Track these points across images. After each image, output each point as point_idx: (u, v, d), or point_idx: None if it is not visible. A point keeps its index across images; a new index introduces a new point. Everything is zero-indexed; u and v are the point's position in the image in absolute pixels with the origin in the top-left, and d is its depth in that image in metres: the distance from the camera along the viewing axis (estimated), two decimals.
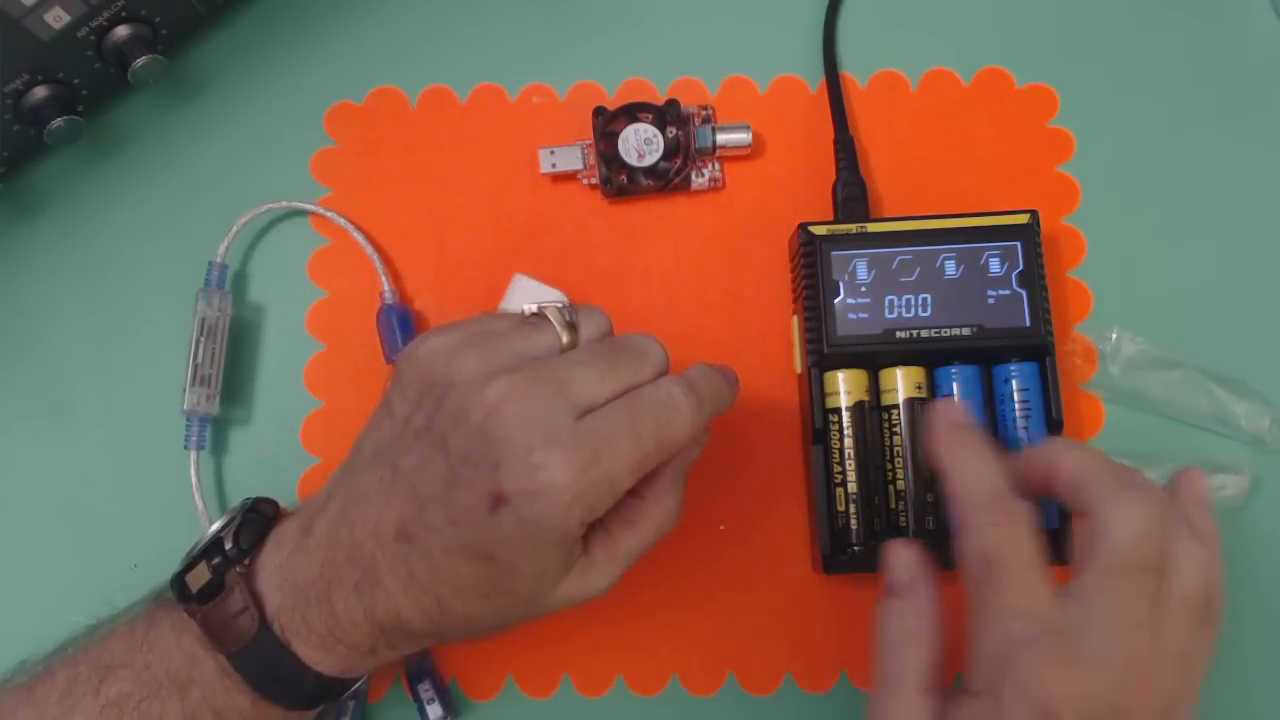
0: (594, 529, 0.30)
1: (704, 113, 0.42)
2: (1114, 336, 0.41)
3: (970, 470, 0.31)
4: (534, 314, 0.31)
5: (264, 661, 0.30)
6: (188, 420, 0.39)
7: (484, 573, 0.28)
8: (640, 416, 0.28)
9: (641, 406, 0.29)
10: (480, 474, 0.28)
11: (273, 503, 0.34)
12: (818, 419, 0.38)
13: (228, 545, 0.31)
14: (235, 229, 0.41)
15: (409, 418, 0.30)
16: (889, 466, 0.38)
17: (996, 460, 0.31)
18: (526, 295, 0.39)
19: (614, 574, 0.31)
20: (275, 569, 0.31)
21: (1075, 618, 0.28)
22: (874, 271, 0.38)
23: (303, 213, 0.42)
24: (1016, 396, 0.38)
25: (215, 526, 0.32)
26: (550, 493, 0.27)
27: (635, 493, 0.31)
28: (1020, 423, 0.37)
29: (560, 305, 0.31)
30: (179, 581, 0.31)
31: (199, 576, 0.31)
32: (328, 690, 0.31)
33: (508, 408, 0.28)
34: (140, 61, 0.39)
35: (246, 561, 0.31)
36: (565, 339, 0.31)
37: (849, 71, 0.44)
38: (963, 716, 0.28)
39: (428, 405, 0.30)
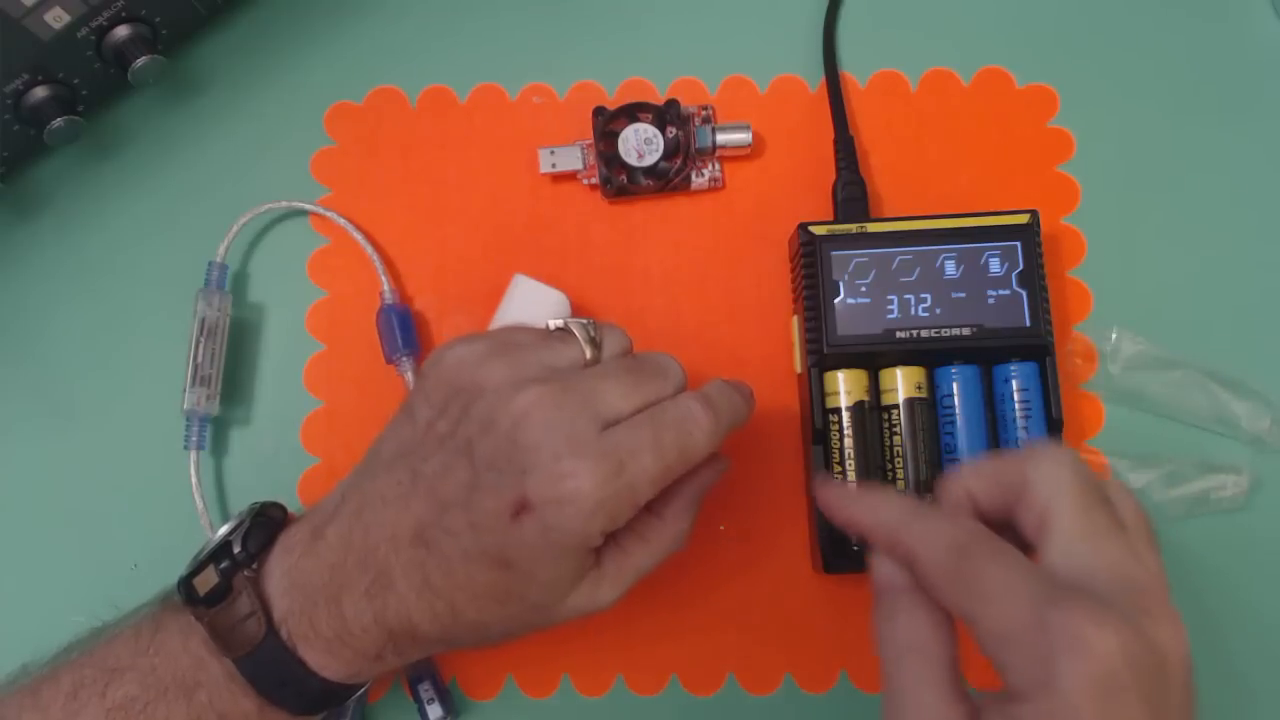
0: (606, 542, 0.30)
1: (704, 113, 0.42)
2: (1114, 336, 0.41)
3: (878, 504, 0.29)
4: (559, 328, 0.32)
5: (270, 666, 0.30)
6: (188, 420, 0.39)
7: (500, 579, 0.29)
8: (662, 430, 0.29)
9: (663, 420, 0.29)
10: (506, 481, 0.28)
11: (281, 507, 0.34)
12: (818, 419, 0.38)
13: (236, 549, 0.31)
14: (235, 229, 0.41)
15: (432, 423, 0.30)
16: (889, 466, 0.38)
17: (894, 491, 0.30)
18: (527, 295, 0.39)
19: (621, 588, 0.31)
20: (283, 573, 0.31)
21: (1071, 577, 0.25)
22: (874, 271, 0.38)
23: (303, 213, 0.42)
24: (1016, 396, 0.38)
25: (223, 530, 0.32)
26: (575, 501, 0.27)
27: (651, 509, 0.31)
28: (1020, 423, 0.37)
29: (584, 321, 0.32)
30: (186, 585, 0.31)
31: (206, 580, 0.31)
32: (333, 695, 0.31)
33: (536, 416, 0.28)
34: (140, 61, 0.39)
35: (254, 565, 0.31)
36: (589, 354, 0.31)
37: (849, 71, 0.44)
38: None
39: (454, 411, 0.30)
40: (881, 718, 0.26)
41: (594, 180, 0.42)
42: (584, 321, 0.32)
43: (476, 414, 0.29)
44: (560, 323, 0.32)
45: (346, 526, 0.30)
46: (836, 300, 0.38)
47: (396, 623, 0.30)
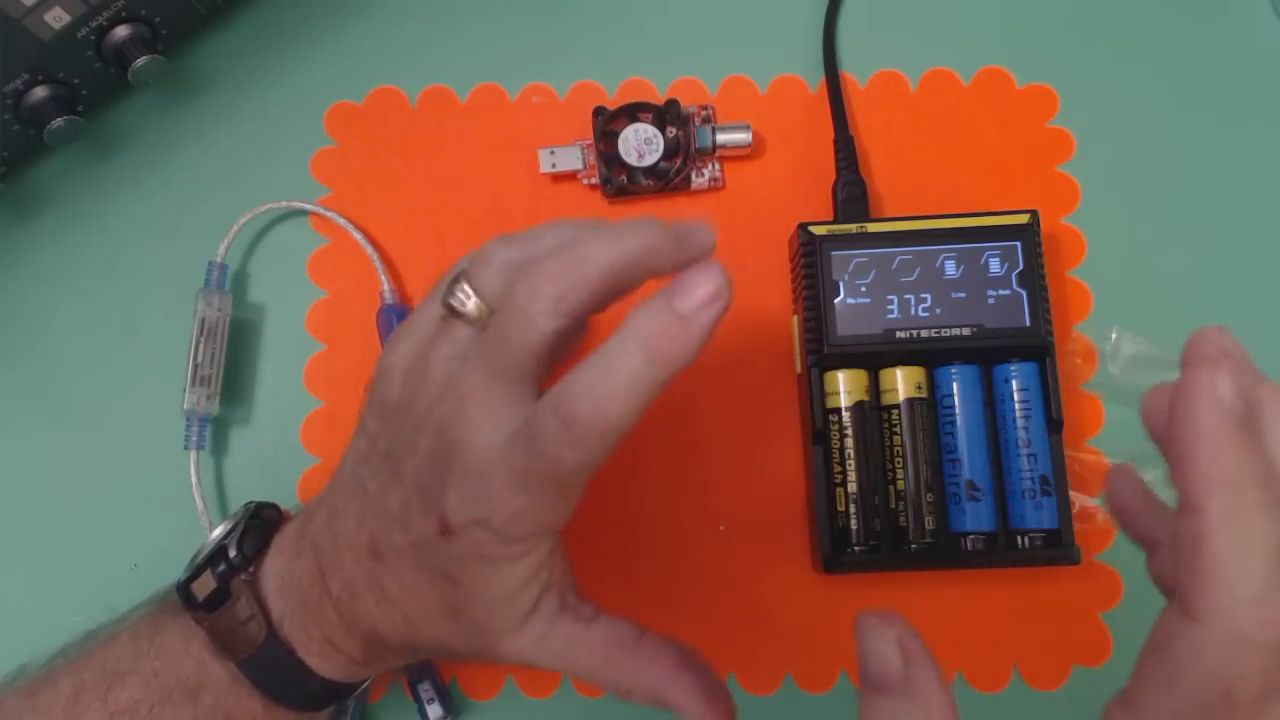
0: (572, 615, 0.29)
1: (704, 113, 0.42)
2: (1114, 336, 0.41)
3: (1250, 510, 0.21)
4: (444, 311, 0.29)
5: (273, 667, 0.30)
6: (188, 420, 0.39)
7: (447, 593, 0.28)
8: (539, 458, 0.25)
9: (537, 439, 0.25)
10: (430, 501, 0.27)
11: (275, 507, 0.34)
12: (818, 419, 0.38)
13: (232, 553, 0.31)
14: (235, 229, 0.41)
15: (375, 439, 0.30)
16: (889, 466, 0.38)
17: None
18: None
19: (563, 666, 0.29)
20: (277, 575, 0.31)
21: None
22: (874, 271, 0.38)
23: (303, 213, 0.42)
24: (1016, 396, 0.38)
25: (218, 534, 0.32)
26: (488, 519, 0.26)
27: (632, 651, 0.29)
28: (1020, 423, 0.37)
29: (460, 285, 0.28)
30: (184, 590, 0.31)
31: (204, 585, 0.31)
32: (334, 693, 0.31)
33: (445, 436, 0.27)
34: (140, 61, 0.39)
35: (251, 569, 0.31)
36: (477, 316, 0.28)
37: (849, 71, 0.44)
38: None
39: (392, 427, 0.29)
40: None
41: (594, 180, 0.42)
42: (461, 289, 0.28)
43: (405, 433, 0.28)
44: (446, 302, 0.28)
45: (322, 534, 0.30)
46: (836, 300, 0.38)
47: (366, 630, 0.30)
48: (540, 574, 0.29)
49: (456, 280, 0.28)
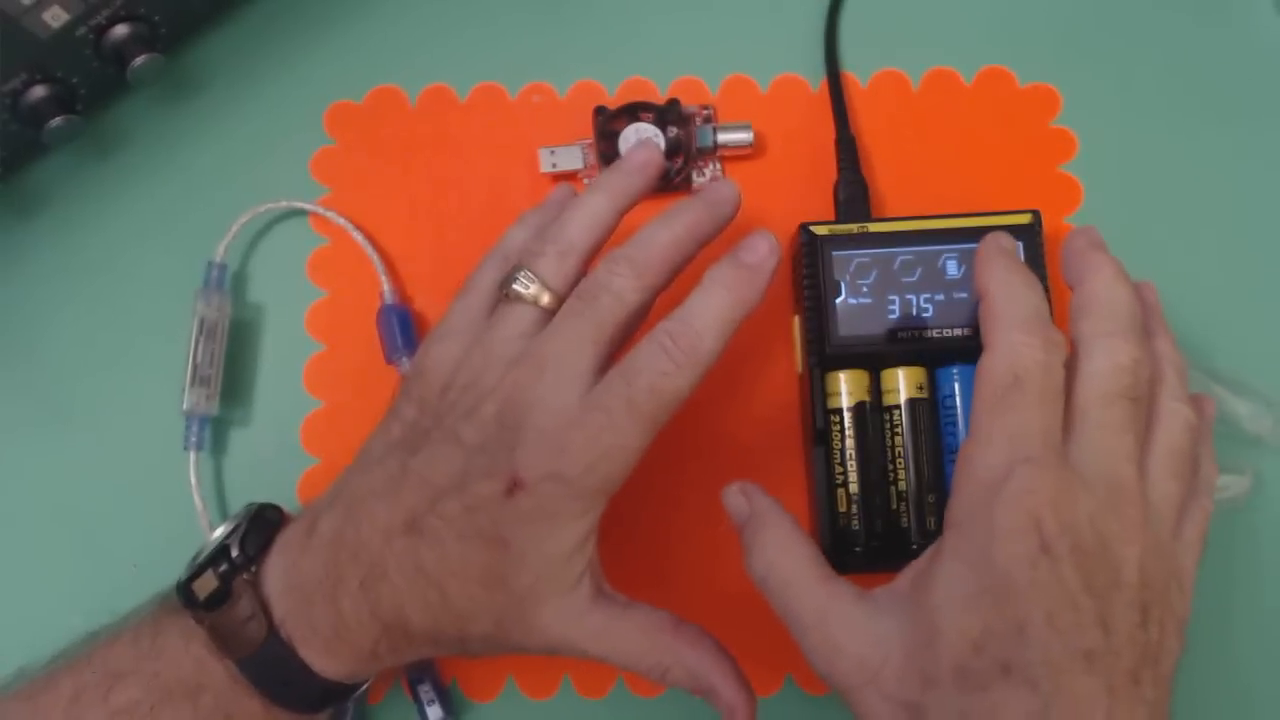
0: (610, 604, 0.31)
1: (705, 112, 0.42)
2: None
3: (1015, 291, 0.31)
4: (504, 293, 0.32)
5: (273, 667, 0.30)
6: (188, 420, 0.39)
7: (493, 559, 0.29)
8: (635, 387, 0.29)
9: (634, 372, 0.29)
10: (497, 461, 0.29)
11: (277, 509, 0.34)
12: (819, 419, 0.38)
13: (234, 552, 0.31)
14: (235, 229, 0.40)
15: (416, 421, 0.31)
16: (891, 467, 0.38)
17: (1040, 290, 0.32)
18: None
19: (598, 649, 0.31)
20: (281, 574, 0.31)
21: (1071, 446, 0.29)
22: (875, 271, 0.38)
23: (302, 213, 0.42)
24: None
25: (220, 533, 0.32)
26: (563, 470, 0.28)
27: (672, 633, 0.31)
28: None
29: (523, 272, 0.32)
30: (185, 589, 0.31)
31: (206, 584, 0.31)
32: (334, 694, 0.31)
33: (517, 397, 0.29)
34: (139, 61, 0.38)
35: (253, 568, 0.31)
36: (546, 302, 0.31)
37: (850, 71, 0.44)
38: (944, 549, 0.29)
39: (440, 408, 0.31)
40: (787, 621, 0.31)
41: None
42: (523, 273, 0.32)
43: (462, 407, 0.30)
44: (509, 289, 0.32)
45: (339, 522, 0.30)
46: (838, 300, 0.38)
47: (390, 615, 0.30)
48: (588, 544, 0.30)
49: (518, 269, 0.32)
